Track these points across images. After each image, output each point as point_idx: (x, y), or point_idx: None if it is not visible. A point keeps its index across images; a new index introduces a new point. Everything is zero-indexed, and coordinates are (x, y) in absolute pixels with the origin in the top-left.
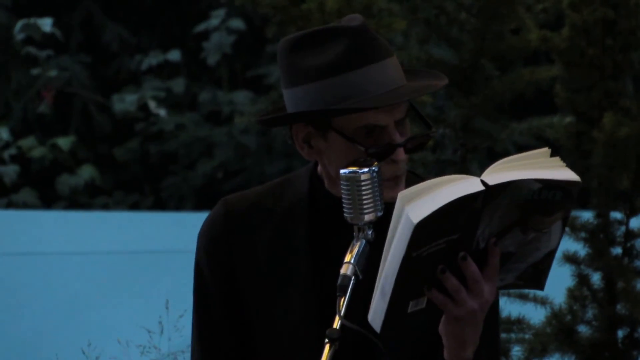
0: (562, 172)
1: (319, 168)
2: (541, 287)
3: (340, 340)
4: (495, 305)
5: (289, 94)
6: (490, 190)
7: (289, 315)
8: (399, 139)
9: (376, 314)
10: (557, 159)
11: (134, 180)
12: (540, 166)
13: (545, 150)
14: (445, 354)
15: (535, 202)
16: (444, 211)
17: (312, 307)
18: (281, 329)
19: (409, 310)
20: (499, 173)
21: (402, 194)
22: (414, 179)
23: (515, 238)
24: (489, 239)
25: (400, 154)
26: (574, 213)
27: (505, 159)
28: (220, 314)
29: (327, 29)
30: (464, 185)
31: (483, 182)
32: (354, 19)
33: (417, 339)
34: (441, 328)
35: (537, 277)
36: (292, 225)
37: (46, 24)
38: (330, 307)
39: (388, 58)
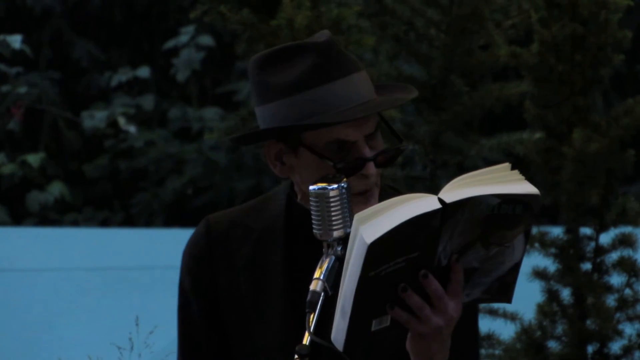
0: (521, 186)
1: (295, 185)
2: (509, 300)
3: (316, 357)
4: (472, 320)
5: (259, 112)
6: (448, 208)
7: (267, 332)
8: (368, 153)
9: (338, 334)
10: (516, 172)
11: (103, 196)
12: (498, 181)
13: (506, 165)
14: None
15: (496, 217)
16: (400, 230)
17: (289, 323)
18: (259, 345)
19: (373, 328)
20: (457, 190)
21: (358, 215)
22: (391, 192)
23: (478, 253)
24: (450, 255)
25: (370, 169)
26: (544, 229)
27: (464, 175)
28: (203, 332)
29: (294, 46)
30: (420, 204)
31: (440, 200)
32: (322, 35)
33: (388, 354)
34: (408, 345)
35: (504, 290)
36: (270, 242)
37: (16, 40)
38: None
39: (355, 73)
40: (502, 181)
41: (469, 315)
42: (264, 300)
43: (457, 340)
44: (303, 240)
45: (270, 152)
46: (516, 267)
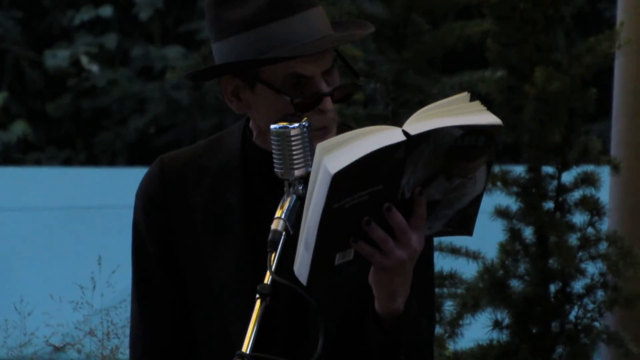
0: (483, 117)
1: (251, 122)
2: (470, 233)
3: (274, 295)
4: (429, 257)
5: (216, 48)
6: (412, 140)
7: (224, 272)
8: (325, 88)
9: (301, 267)
10: (477, 103)
11: (66, 136)
12: (461, 112)
13: (465, 95)
14: (376, 304)
15: (459, 149)
16: (364, 162)
17: (247, 262)
18: (216, 285)
19: (336, 262)
20: (421, 122)
21: (321, 145)
22: (346, 130)
23: (440, 185)
24: (414, 188)
25: (328, 104)
26: (506, 167)
27: (426, 107)
28: (159, 273)
29: None
30: (385, 136)
31: (405, 132)
32: None
33: (349, 289)
34: (370, 278)
35: (465, 223)
36: (226, 181)
37: None
38: (265, 261)
39: (312, 8)
40: (465, 112)
41: (425, 250)
42: (222, 239)
43: (415, 274)
44: (260, 179)
45: (227, 88)
46: (478, 199)
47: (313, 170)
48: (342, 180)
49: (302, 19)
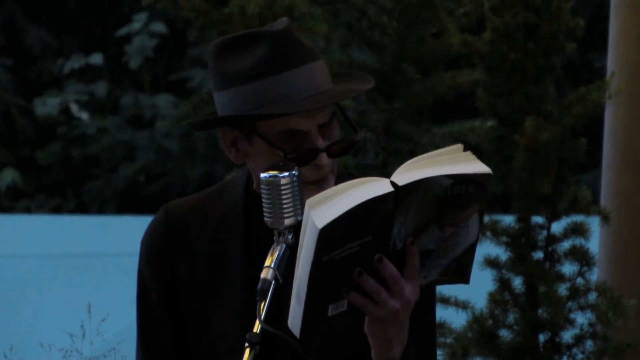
0: (472, 166)
1: (251, 172)
2: (466, 281)
3: (271, 346)
4: (431, 304)
5: (216, 98)
6: (401, 191)
7: (227, 321)
8: (321, 143)
9: (294, 319)
10: (468, 153)
11: (56, 183)
12: (450, 162)
13: (458, 146)
14: (373, 354)
15: (449, 198)
16: (352, 214)
17: (249, 312)
18: (218, 334)
19: (330, 313)
20: (409, 172)
21: (310, 200)
22: (349, 179)
23: (433, 235)
24: (405, 238)
25: (323, 159)
26: (496, 217)
27: (417, 158)
28: (162, 321)
29: (251, 33)
30: (372, 188)
31: (392, 183)
32: (280, 23)
33: (346, 338)
34: (366, 328)
35: (461, 271)
36: (229, 230)
37: None
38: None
39: (313, 62)
40: (454, 161)
41: (426, 298)
42: (223, 288)
43: (415, 323)
44: (261, 228)
45: (226, 139)
46: (472, 248)
47: (303, 223)
48: (329, 234)
49: (299, 74)
